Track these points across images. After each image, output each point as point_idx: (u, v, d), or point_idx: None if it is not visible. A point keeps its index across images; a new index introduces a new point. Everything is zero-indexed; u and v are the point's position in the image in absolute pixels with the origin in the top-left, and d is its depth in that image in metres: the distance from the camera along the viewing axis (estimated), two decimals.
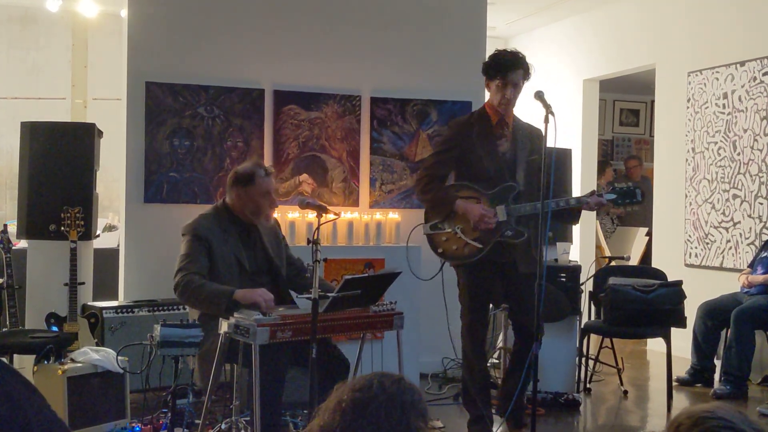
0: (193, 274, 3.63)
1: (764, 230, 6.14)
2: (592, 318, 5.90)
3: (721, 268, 6.52)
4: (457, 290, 4.19)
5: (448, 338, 4.49)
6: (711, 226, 6.65)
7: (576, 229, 7.59)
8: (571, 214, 4.12)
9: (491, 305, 4.48)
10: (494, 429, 4.13)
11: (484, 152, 4.02)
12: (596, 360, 5.71)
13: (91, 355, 4.10)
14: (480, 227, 3.94)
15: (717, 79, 6.63)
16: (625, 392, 5.49)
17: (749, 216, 6.29)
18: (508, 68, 3.97)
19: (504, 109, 4.04)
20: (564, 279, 5.28)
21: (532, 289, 3.69)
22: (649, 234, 8.05)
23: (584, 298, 5.63)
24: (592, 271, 6.24)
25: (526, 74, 4.03)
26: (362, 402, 1.53)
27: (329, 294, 3.44)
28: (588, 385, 5.50)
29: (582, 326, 5.47)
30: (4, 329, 4.74)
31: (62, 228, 4.75)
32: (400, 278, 3.78)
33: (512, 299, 4.14)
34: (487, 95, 4.19)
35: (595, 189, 4.12)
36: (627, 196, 4.03)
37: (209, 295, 3.57)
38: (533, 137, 4.08)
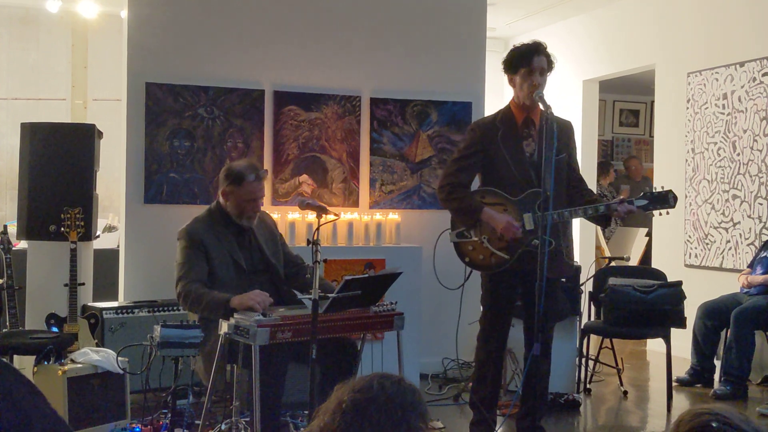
0: (192, 282, 3.66)
1: (764, 230, 6.15)
2: (592, 318, 5.90)
3: (720, 269, 6.52)
4: (471, 290, 4.12)
5: (447, 339, 4.49)
6: (711, 227, 6.66)
7: (576, 230, 7.60)
8: (601, 218, 3.97)
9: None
10: (496, 430, 4.12)
11: (510, 155, 3.88)
12: (596, 360, 5.71)
13: (91, 355, 4.10)
14: (506, 236, 3.85)
15: (717, 79, 6.63)
16: (625, 393, 5.49)
17: (749, 216, 6.30)
18: (532, 54, 3.86)
19: (532, 101, 3.86)
20: (564, 280, 5.27)
21: (554, 299, 3.67)
22: (649, 234, 8.06)
23: (584, 299, 5.63)
24: (592, 272, 6.25)
25: (550, 63, 3.92)
26: (362, 403, 1.53)
27: (329, 294, 3.45)
28: (588, 386, 5.50)
29: (582, 327, 5.47)
30: (4, 330, 4.74)
31: (62, 229, 4.75)
32: (400, 278, 3.77)
33: (530, 307, 3.93)
34: (509, 94, 4.06)
35: (623, 196, 3.92)
36: (659, 202, 3.88)
37: (207, 304, 3.60)
38: (562, 132, 3.84)
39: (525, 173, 3.89)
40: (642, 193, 3.96)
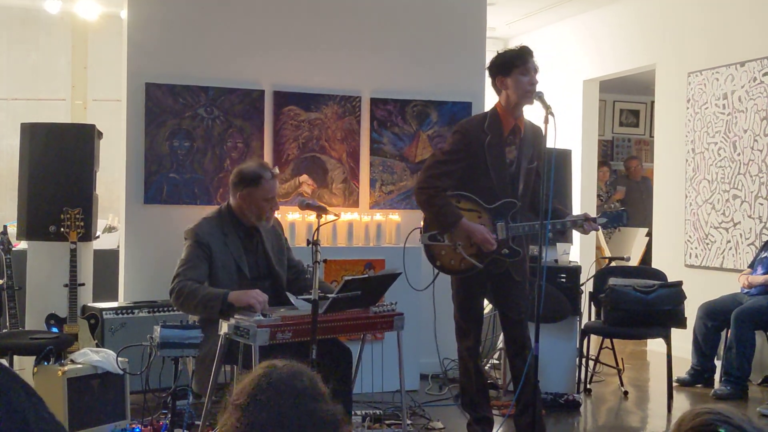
0: (188, 280, 3.62)
1: (764, 231, 6.14)
2: (593, 319, 5.90)
3: (721, 269, 6.51)
4: (448, 289, 4.15)
5: (447, 339, 4.45)
6: (711, 227, 6.65)
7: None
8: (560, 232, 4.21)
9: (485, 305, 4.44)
10: (494, 430, 4.12)
11: (492, 163, 3.89)
12: (596, 361, 5.71)
13: (91, 356, 4.10)
14: (483, 249, 3.88)
15: (717, 79, 6.63)
16: (626, 393, 5.49)
17: (749, 216, 6.29)
18: (525, 55, 3.87)
19: (524, 102, 3.86)
20: (564, 280, 5.28)
21: (523, 295, 3.94)
22: (649, 234, 8.05)
23: (584, 299, 5.63)
24: (592, 272, 6.25)
25: (537, 67, 3.93)
26: (255, 401, 1.49)
27: (329, 295, 3.45)
28: (588, 386, 5.50)
29: (582, 327, 5.46)
30: (4, 330, 4.74)
31: (62, 229, 4.75)
32: (400, 279, 3.77)
33: (503, 306, 4.08)
34: (491, 99, 4.05)
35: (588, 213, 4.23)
36: (615, 220, 4.33)
37: (203, 298, 3.55)
38: (536, 139, 3.94)
39: (503, 181, 3.91)
40: (602, 213, 4.35)
